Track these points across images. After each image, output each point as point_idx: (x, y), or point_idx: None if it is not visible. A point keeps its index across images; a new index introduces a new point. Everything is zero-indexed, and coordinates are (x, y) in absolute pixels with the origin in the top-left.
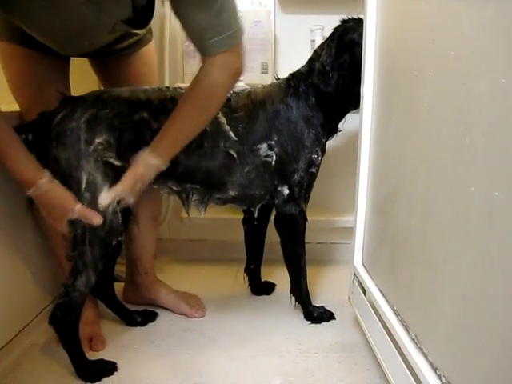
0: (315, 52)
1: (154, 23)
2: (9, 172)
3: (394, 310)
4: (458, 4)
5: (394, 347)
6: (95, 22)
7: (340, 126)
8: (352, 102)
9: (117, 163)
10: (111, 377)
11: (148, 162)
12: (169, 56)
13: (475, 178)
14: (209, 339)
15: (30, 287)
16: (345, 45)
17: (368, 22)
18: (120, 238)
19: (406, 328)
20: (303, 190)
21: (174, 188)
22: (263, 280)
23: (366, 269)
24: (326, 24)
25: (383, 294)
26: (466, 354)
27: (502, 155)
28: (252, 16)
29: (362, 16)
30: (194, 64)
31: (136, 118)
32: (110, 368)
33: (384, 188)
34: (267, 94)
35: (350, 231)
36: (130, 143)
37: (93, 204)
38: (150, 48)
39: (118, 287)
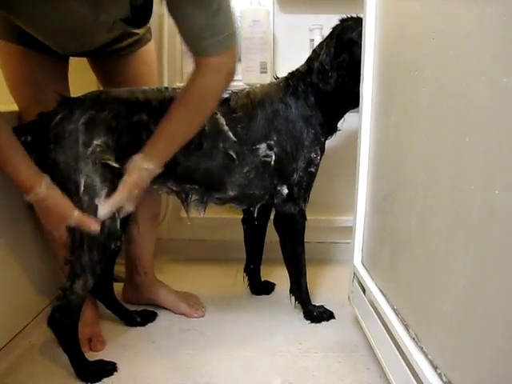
0: (314, 51)
1: (152, 22)
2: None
3: (394, 310)
4: (457, 2)
5: (394, 346)
6: (94, 20)
7: (339, 125)
8: (351, 101)
9: (115, 165)
10: (111, 377)
11: (142, 168)
12: (167, 55)
13: (475, 177)
14: (209, 339)
15: (29, 288)
16: (344, 44)
17: (367, 20)
18: (119, 243)
19: (406, 327)
20: (302, 190)
21: (173, 188)
22: (263, 280)
23: (365, 268)
24: (324, 23)
25: (383, 294)
26: (466, 352)
27: (503, 154)
28: (251, 15)
29: (360, 15)
30: (192, 63)
31: (135, 119)
32: (109, 368)
33: (384, 187)
34: (266, 93)
35: (349, 230)
36: (128, 145)
37: (91, 207)
38: (150, 48)
39: (118, 287)
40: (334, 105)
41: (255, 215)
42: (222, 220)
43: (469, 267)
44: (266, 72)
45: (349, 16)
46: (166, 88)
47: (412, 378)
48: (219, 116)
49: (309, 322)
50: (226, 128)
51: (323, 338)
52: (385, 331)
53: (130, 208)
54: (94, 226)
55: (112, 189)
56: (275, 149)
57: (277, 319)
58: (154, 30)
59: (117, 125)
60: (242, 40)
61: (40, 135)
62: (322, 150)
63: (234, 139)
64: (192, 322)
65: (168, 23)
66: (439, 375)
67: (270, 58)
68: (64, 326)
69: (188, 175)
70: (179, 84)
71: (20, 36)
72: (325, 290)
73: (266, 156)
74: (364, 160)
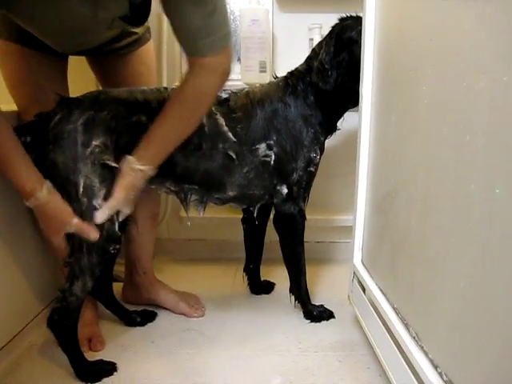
0: (313, 50)
1: (151, 22)
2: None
3: (395, 308)
4: (457, 2)
5: (394, 345)
6: (92, 17)
7: (339, 124)
8: (351, 100)
9: (114, 165)
10: (111, 377)
11: (136, 169)
12: (167, 55)
13: (476, 176)
14: (208, 339)
15: (28, 288)
16: (343, 43)
17: (367, 19)
18: (118, 246)
19: (407, 326)
20: (302, 189)
21: (172, 188)
22: (262, 279)
23: (365, 267)
24: (324, 22)
25: (383, 293)
26: (467, 351)
27: (503, 153)
28: (250, 14)
29: (360, 14)
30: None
31: (134, 120)
32: (109, 368)
33: (384, 186)
34: (265, 93)
35: (349, 230)
36: (127, 146)
37: (90, 209)
38: (149, 47)
39: (117, 287)
40: (334, 104)
41: (255, 215)
42: (222, 220)
43: (469, 266)
44: (265, 71)
45: (348, 15)
46: (166, 88)
47: (412, 376)
48: (219, 117)
49: (309, 321)
50: (225, 129)
51: (323, 338)
52: (385, 330)
53: (127, 211)
54: (92, 234)
55: (111, 190)
56: (275, 148)
57: (276, 319)
58: (153, 30)
59: (116, 125)
60: (241, 39)
61: (39, 136)
62: (322, 149)
63: (234, 139)
64: (191, 322)
65: (167, 23)
66: (440, 374)
67: (270, 57)
68: (63, 327)
69: (187, 175)
70: (178, 84)
71: (19, 35)
72: (324, 289)
73: (266, 156)
74: (364, 159)
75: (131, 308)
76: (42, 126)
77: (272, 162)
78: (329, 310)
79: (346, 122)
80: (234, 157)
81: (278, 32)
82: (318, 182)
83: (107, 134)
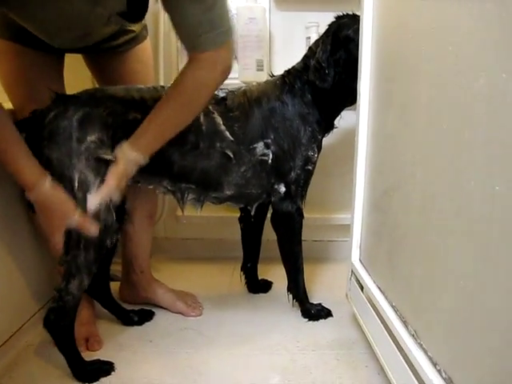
0: (310, 49)
1: (148, 20)
2: (11, 174)
3: (393, 306)
4: None
5: (392, 343)
6: (90, 12)
7: (336, 122)
8: (348, 98)
9: (110, 157)
10: (109, 377)
11: (128, 158)
12: (163, 53)
13: (475, 173)
14: (206, 338)
15: (25, 288)
16: (340, 41)
17: (365, 18)
18: (114, 239)
19: (405, 324)
20: (300, 188)
21: (169, 187)
22: (260, 278)
23: (363, 265)
24: (321, 21)
25: (381, 291)
26: (466, 348)
27: (502, 150)
28: (247, 13)
29: (357, 12)
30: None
31: (130, 117)
32: (107, 368)
33: (381, 184)
34: (263, 91)
35: (347, 228)
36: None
37: (85, 204)
38: (146, 45)
39: (114, 286)
40: (331, 102)
41: (252, 213)
42: (219, 218)
43: (468, 264)
44: (262, 70)
45: (345, 13)
46: (162, 87)
47: (411, 374)
48: (216, 116)
49: (306, 320)
50: (223, 128)
51: (321, 336)
52: (383, 328)
53: (117, 198)
54: (93, 229)
55: None
56: (272, 147)
57: (274, 317)
58: (150, 28)
59: (112, 121)
60: (238, 38)
61: (34, 132)
62: (319, 147)
63: (231, 138)
64: (189, 321)
65: (164, 21)
66: (439, 372)
67: (267, 55)
68: (60, 327)
69: (184, 175)
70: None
71: (14, 33)
72: (322, 288)
73: (263, 155)
74: (361, 157)
75: (129, 307)
76: (37, 122)
77: (270, 161)
78: (327, 309)
79: (344, 120)
80: (232, 156)
81: (274, 30)
82: (315, 180)
83: (103, 130)
